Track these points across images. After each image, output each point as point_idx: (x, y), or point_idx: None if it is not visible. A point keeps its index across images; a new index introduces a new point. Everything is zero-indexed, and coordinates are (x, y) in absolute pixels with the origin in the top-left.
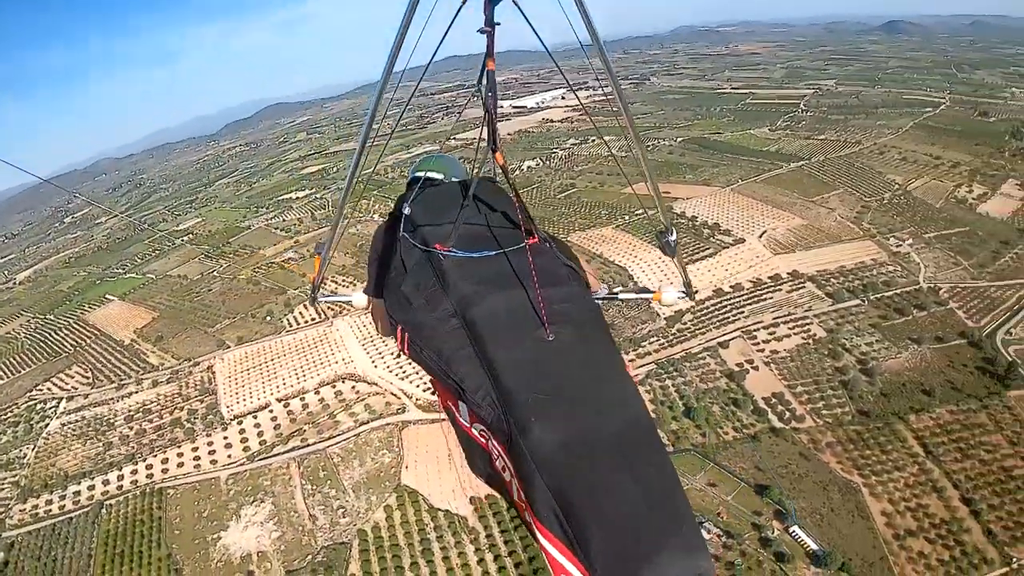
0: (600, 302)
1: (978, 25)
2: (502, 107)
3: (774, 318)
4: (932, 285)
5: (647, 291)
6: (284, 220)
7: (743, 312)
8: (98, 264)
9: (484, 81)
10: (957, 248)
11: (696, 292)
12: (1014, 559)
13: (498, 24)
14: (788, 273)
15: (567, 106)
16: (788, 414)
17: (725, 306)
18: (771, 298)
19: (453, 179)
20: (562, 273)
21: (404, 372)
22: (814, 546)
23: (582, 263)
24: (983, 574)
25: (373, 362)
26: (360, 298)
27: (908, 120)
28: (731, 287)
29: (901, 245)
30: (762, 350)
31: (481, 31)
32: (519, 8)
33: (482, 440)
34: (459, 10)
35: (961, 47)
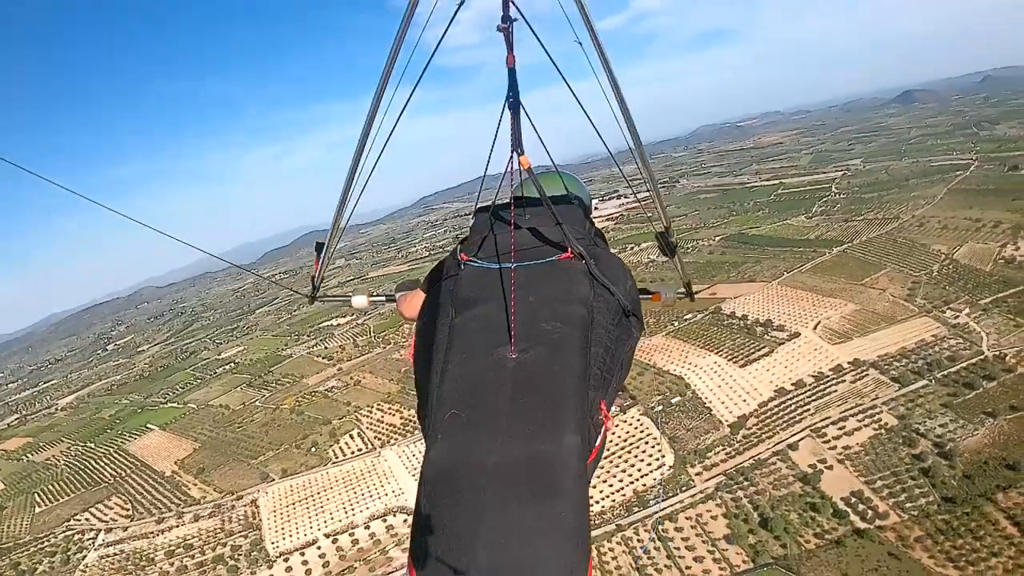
0: (625, 329)
1: (989, 81)
2: None
3: (841, 412)
4: (997, 353)
5: (646, 292)
6: (326, 348)
7: (809, 409)
8: (140, 392)
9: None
10: (1016, 310)
11: (697, 293)
12: None
13: (515, 20)
14: (849, 362)
15: (602, 216)
16: (870, 512)
17: (789, 405)
18: (835, 391)
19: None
20: (577, 292)
21: None
22: None
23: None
24: None
25: None
26: (360, 300)
27: (941, 187)
28: (792, 384)
29: (958, 316)
30: (833, 447)
31: (499, 29)
32: (519, 11)
33: None
34: (457, 10)
35: (977, 105)
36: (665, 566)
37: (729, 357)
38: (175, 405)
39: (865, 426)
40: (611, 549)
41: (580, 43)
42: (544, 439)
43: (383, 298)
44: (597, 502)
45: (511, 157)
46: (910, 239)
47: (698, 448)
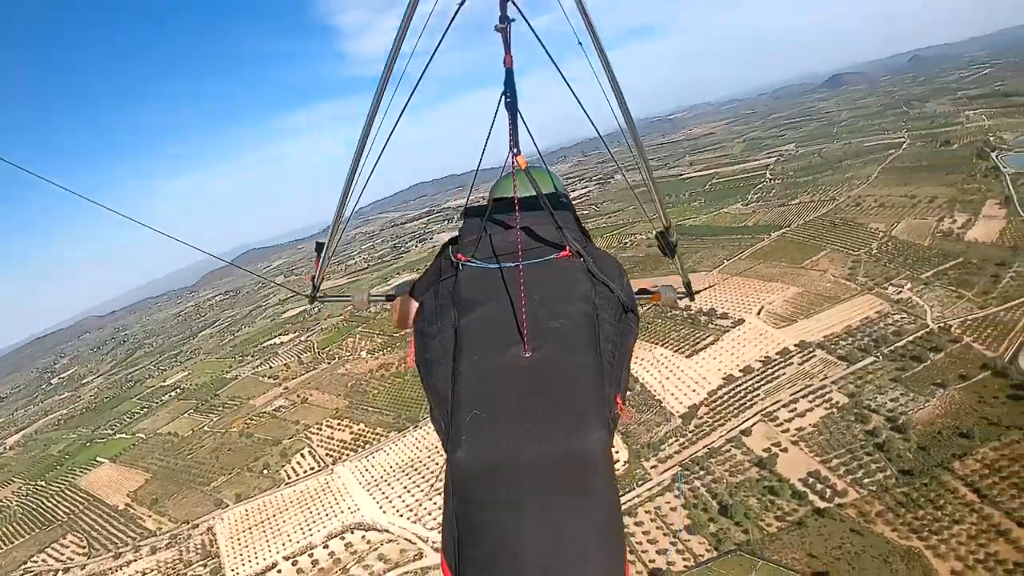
0: (625, 324)
1: (917, 60)
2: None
3: (791, 394)
4: (942, 324)
5: (646, 292)
6: (271, 367)
7: (759, 394)
8: (87, 425)
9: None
10: (957, 281)
11: (697, 292)
12: None
13: (513, 20)
14: (795, 345)
15: None
16: (829, 491)
17: (739, 392)
18: (784, 374)
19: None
20: (580, 290)
21: (416, 515)
22: None
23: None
24: None
25: (381, 508)
26: (360, 298)
27: (875, 167)
28: (741, 371)
29: (901, 291)
30: (787, 430)
31: (497, 29)
32: (521, 13)
33: None
34: (458, 10)
35: (906, 85)
36: (629, 561)
37: (675, 348)
38: (124, 436)
39: (816, 406)
40: None
41: (581, 43)
42: (572, 436)
43: (383, 298)
44: None
45: (508, 156)
46: (848, 219)
47: (651, 441)
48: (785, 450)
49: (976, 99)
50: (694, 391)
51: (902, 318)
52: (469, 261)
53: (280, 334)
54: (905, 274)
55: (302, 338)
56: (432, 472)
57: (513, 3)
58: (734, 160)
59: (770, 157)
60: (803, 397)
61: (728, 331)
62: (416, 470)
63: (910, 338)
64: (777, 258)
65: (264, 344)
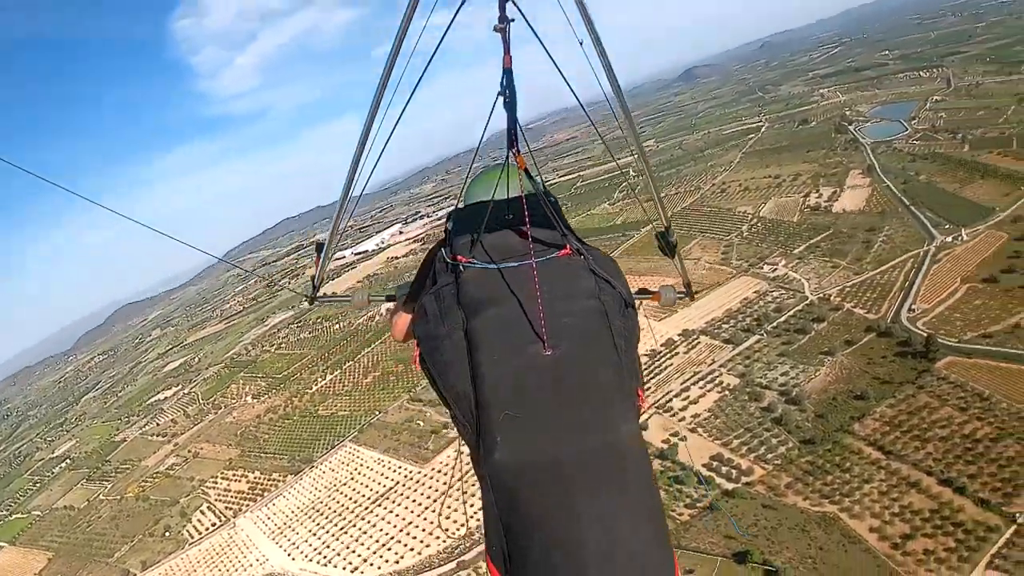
0: (630, 320)
1: (767, 47)
2: (343, 256)
3: (682, 383)
4: (821, 295)
5: (646, 292)
6: (158, 424)
7: (649, 387)
8: None
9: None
10: (830, 252)
11: (697, 292)
12: (1017, 515)
13: (512, 20)
14: (679, 334)
15: (408, 239)
16: (735, 472)
17: None
18: (672, 364)
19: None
20: (586, 286)
21: (325, 557)
22: None
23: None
24: (994, 542)
25: (289, 555)
26: (360, 297)
27: (736, 152)
28: None
29: (776, 269)
30: (682, 419)
31: (496, 29)
32: (519, 10)
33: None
34: (458, 9)
35: (759, 71)
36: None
37: None
38: (20, 516)
39: (709, 391)
40: None
41: (581, 42)
42: (606, 430)
43: (383, 298)
44: (461, 525)
45: (508, 155)
46: (715, 206)
47: None
48: (684, 438)
49: (828, 77)
50: None
51: (781, 294)
52: (471, 262)
53: (163, 389)
54: (778, 251)
55: (185, 391)
56: (335, 512)
57: (514, 3)
58: (597, 161)
59: (632, 155)
60: (694, 384)
61: None
62: (319, 511)
63: (791, 312)
64: (649, 253)
65: (148, 401)
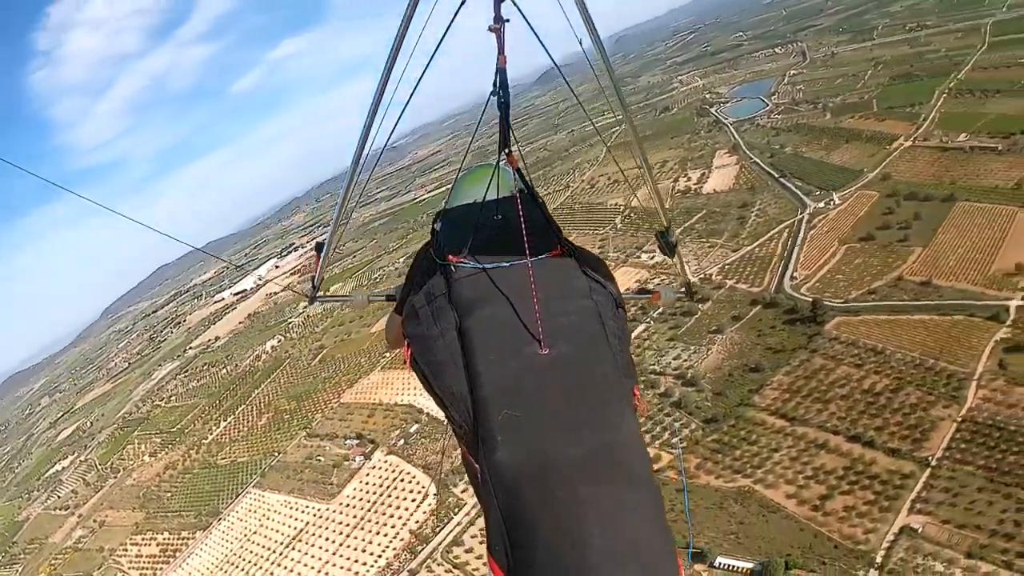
0: (621, 320)
1: (622, 41)
2: (223, 298)
3: None
4: (703, 275)
5: (646, 292)
6: (59, 497)
7: None
8: None
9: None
10: (706, 232)
11: (696, 293)
12: (929, 457)
13: (507, 21)
14: None
15: (286, 272)
16: None
17: None
18: None
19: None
20: (579, 286)
21: None
22: (749, 565)
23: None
24: (912, 488)
25: None
26: (360, 297)
27: (600, 147)
28: None
29: (654, 256)
30: None
31: (491, 29)
32: (519, 9)
33: (470, 459)
34: (458, 9)
35: (616, 65)
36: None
37: None
38: None
39: None
40: None
41: (580, 41)
42: (607, 429)
43: (383, 297)
44: (379, 556)
45: (500, 155)
46: (586, 202)
47: (454, 467)
48: None
49: (686, 64)
50: None
51: (662, 280)
52: (463, 262)
53: (59, 459)
54: (654, 239)
55: (82, 458)
56: (250, 563)
57: (514, 2)
58: (465, 171)
59: (500, 160)
60: None
61: None
62: (233, 564)
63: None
64: None
65: (47, 474)
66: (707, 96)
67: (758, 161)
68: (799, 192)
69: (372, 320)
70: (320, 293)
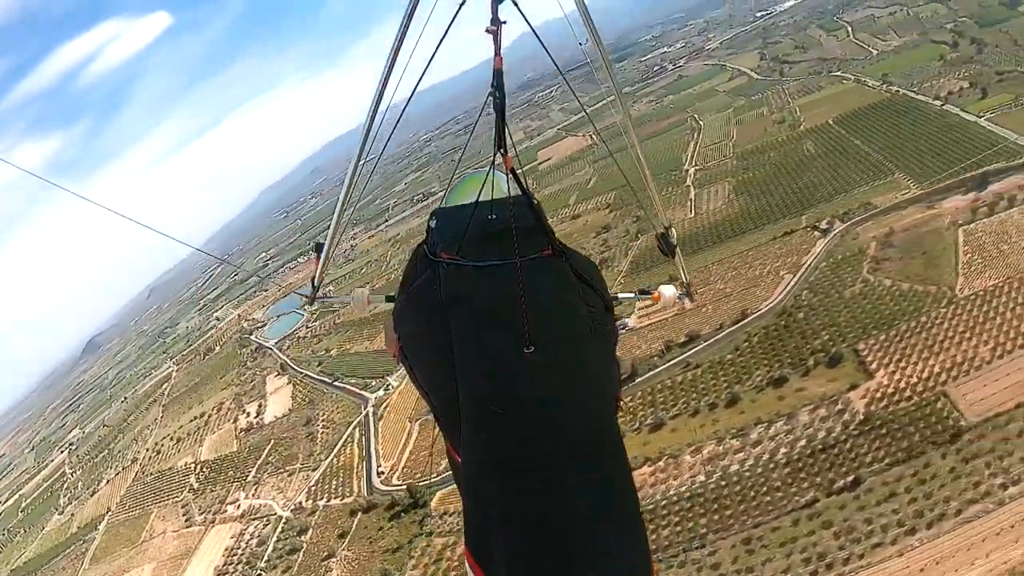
0: (609, 323)
1: (155, 291)
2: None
3: None
4: (293, 507)
5: (646, 292)
6: None
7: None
8: None
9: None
10: (281, 461)
11: (696, 293)
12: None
13: (504, 23)
14: None
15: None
16: None
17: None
18: None
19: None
20: (568, 288)
21: None
22: None
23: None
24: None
25: None
26: (360, 297)
27: (156, 408)
28: None
29: (240, 504)
30: None
31: (488, 30)
32: (519, 8)
33: (453, 454)
34: (459, 9)
35: (154, 317)
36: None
37: None
38: None
39: None
40: None
41: (582, 44)
42: (587, 428)
43: (383, 297)
44: None
45: (495, 157)
46: (157, 471)
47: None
48: None
49: (217, 299)
50: None
51: (257, 526)
52: (453, 259)
53: None
54: (234, 488)
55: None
56: None
57: (514, 3)
58: (32, 474)
59: (62, 452)
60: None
61: None
62: None
63: (275, 539)
64: (116, 547)
65: None
66: (245, 325)
67: (308, 373)
68: (356, 389)
69: None
70: (319, 294)
